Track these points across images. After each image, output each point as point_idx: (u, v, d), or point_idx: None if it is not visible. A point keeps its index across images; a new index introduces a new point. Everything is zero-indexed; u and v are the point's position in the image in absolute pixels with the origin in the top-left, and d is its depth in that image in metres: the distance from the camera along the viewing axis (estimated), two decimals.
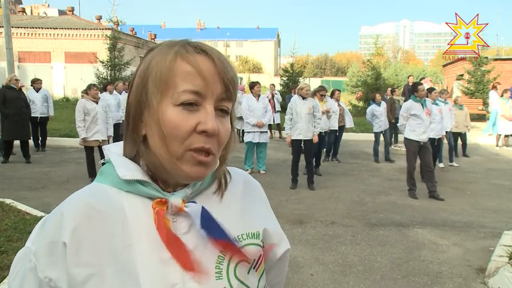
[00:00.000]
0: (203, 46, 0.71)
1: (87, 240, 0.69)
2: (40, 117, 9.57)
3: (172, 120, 0.67)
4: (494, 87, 14.19)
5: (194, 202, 0.74)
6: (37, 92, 9.49)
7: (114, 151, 0.77)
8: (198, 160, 0.69)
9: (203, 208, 0.73)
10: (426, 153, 6.41)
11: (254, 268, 0.78)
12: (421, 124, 6.26)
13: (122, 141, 0.78)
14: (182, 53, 0.69)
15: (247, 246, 0.78)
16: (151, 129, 0.70)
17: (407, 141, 6.44)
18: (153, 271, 0.69)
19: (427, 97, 6.74)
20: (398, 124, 6.90)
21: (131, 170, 0.73)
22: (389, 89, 11.97)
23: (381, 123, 9.34)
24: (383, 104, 9.52)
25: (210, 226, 0.72)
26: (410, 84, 14.02)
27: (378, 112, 9.32)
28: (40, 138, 9.98)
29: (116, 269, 0.68)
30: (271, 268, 0.87)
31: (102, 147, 0.80)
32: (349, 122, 9.53)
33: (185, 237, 0.72)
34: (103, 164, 0.78)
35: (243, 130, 8.72)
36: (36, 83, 9.54)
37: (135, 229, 0.71)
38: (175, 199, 0.72)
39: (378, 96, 9.53)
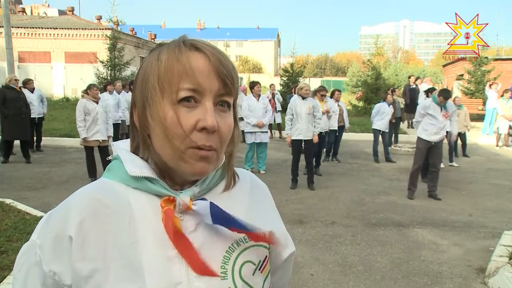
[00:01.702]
0: (198, 43, 0.71)
1: (93, 234, 0.70)
2: (38, 117, 9.51)
3: (172, 119, 0.68)
4: (491, 85, 14.23)
5: (202, 199, 0.74)
6: (32, 92, 9.39)
7: (123, 147, 0.78)
8: (200, 155, 0.69)
9: (211, 203, 0.72)
10: (435, 154, 6.34)
11: (259, 269, 0.78)
12: (434, 124, 6.17)
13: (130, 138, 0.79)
14: (176, 52, 0.70)
15: (253, 247, 0.77)
16: (154, 129, 0.71)
17: (418, 140, 6.39)
18: (159, 268, 0.69)
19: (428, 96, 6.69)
20: (413, 120, 6.90)
21: (139, 167, 0.73)
22: (390, 89, 11.96)
23: (383, 122, 9.31)
24: (391, 106, 9.52)
25: (224, 219, 0.72)
26: (411, 84, 14.04)
27: (385, 110, 9.31)
28: (35, 138, 9.84)
29: (121, 264, 0.68)
30: (276, 270, 0.87)
31: (110, 143, 0.82)
32: (345, 123, 9.54)
33: (191, 236, 0.72)
34: (110, 161, 0.79)
35: (243, 131, 8.71)
36: (29, 84, 9.39)
37: (142, 226, 0.71)
38: (183, 197, 0.72)
39: (389, 97, 9.53)
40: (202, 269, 0.70)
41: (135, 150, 0.77)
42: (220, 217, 0.72)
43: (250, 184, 0.85)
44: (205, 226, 0.73)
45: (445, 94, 6.22)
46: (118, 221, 0.71)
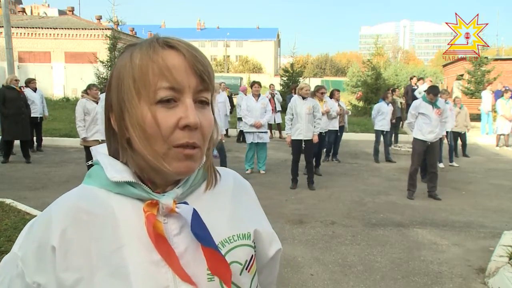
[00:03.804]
0: (171, 41, 0.70)
1: (76, 243, 0.68)
2: (40, 117, 9.54)
3: (152, 120, 0.67)
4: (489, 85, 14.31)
5: (185, 203, 0.73)
6: (35, 91, 9.42)
7: (102, 151, 0.76)
8: (184, 154, 0.68)
9: (194, 210, 0.71)
10: (432, 154, 6.32)
11: (246, 269, 0.77)
12: (428, 123, 6.15)
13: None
14: (150, 52, 0.68)
15: (239, 247, 0.77)
16: (134, 132, 0.69)
17: (414, 140, 6.37)
18: (145, 272, 0.68)
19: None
20: (406, 122, 6.89)
21: (120, 172, 0.72)
22: (390, 89, 11.96)
23: (384, 122, 9.32)
24: (390, 105, 9.53)
25: (199, 231, 0.71)
26: (413, 85, 14.05)
27: (385, 110, 9.31)
28: (35, 138, 9.83)
29: (106, 272, 0.67)
30: (262, 268, 0.86)
31: (90, 148, 0.79)
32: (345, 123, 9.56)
33: (176, 239, 0.71)
34: (91, 165, 0.77)
35: (241, 131, 8.72)
36: (32, 83, 9.44)
37: (126, 231, 0.70)
38: (166, 200, 0.71)
39: (389, 96, 9.53)
40: (184, 276, 0.69)
41: (114, 154, 0.75)
42: (198, 228, 0.70)
43: (233, 183, 0.84)
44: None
45: (434, 90, 6.23)
46: (101, 228, 0.70)
